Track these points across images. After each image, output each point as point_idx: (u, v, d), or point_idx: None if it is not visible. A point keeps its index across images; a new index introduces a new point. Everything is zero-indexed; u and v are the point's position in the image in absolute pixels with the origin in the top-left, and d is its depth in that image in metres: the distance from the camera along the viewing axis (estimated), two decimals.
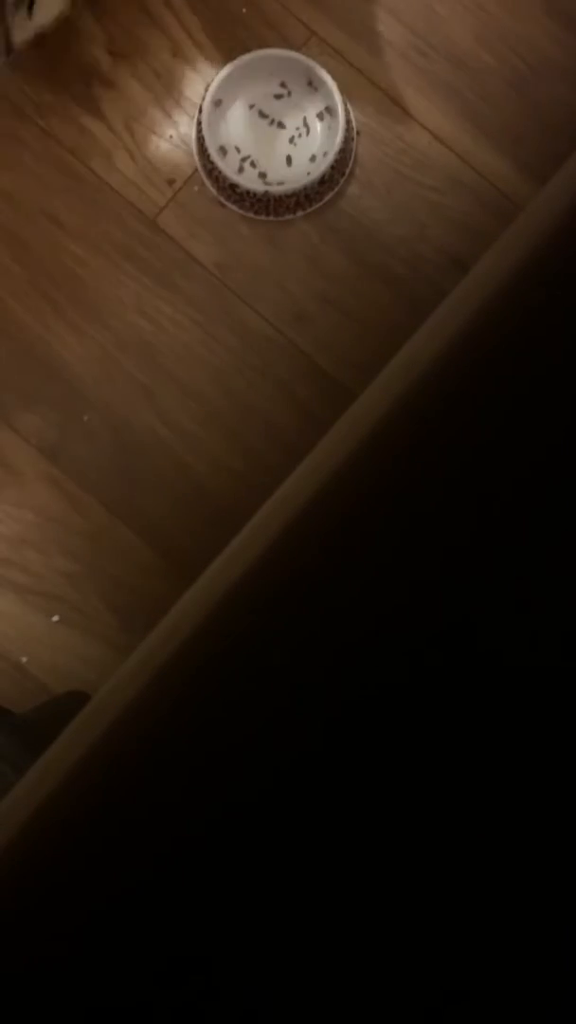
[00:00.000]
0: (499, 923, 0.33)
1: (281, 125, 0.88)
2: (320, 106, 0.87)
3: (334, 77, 0.84)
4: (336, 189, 0.88)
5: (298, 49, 0.88)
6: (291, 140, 0.88)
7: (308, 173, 0.85)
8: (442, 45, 0.88)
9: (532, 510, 0.37)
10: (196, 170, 0.89)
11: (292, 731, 0.39)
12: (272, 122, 0.87)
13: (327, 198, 0.87)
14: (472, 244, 0.89)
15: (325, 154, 0.85)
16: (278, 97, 0.87)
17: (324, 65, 0.85)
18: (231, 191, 0.86)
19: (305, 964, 0.36)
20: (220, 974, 0.37)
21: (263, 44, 0.88)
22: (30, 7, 0.69)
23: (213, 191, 0.88)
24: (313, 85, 0.86)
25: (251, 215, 0.87)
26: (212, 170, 0.86)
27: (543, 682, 0.35)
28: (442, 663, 0.37)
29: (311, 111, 0.87)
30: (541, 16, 0.88)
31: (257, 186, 0.85)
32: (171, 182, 0.89)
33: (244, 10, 0.89)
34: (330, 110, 0.86)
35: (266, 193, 0.84)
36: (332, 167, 0.85)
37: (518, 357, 0.40)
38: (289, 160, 0.88)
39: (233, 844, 0.38)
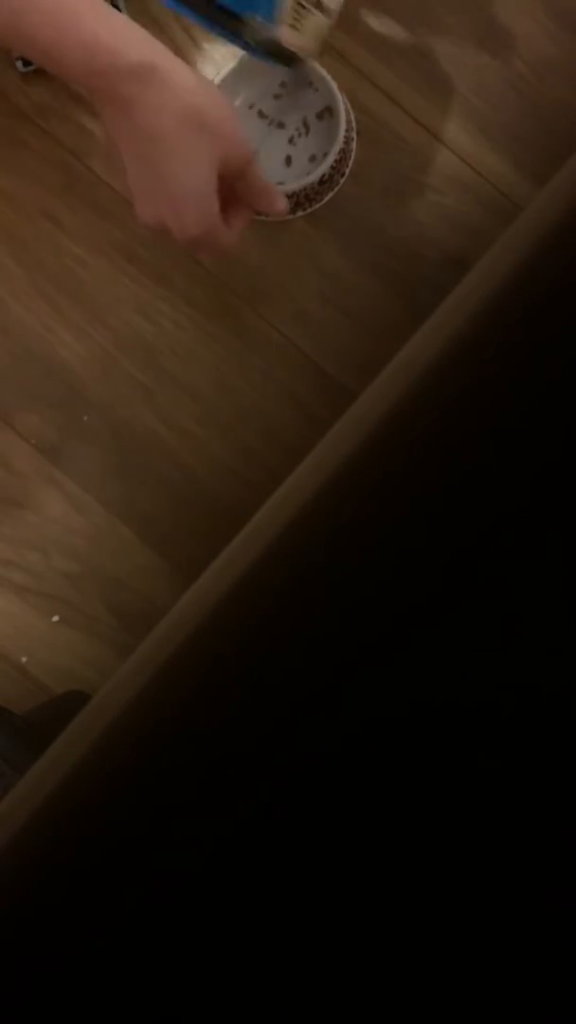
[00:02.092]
0: (495, 939, 0.33)
1: (281, 125, 0.88)
2: (320, 106, 0.87)
3: (334, 77, 0.84)
4: (336, 189, 0.87)
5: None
6: (291, 140, 0.88)
7: (308, 173, 0.85)
8: (442, 45, 0.88)
9: (536, 510, 0.37)
10: None
11: (294, 732, 0.39)
12: (272, 122, 0.87)
13: (327, 198, 0.87)
14: (472, 244, 0.89)
15: (325, 154, 0.85)
16: (278, 97, 0.87)
17: (324, 65, 0.85)
18: None
19: (304, 967, 0.36)
20: (220, 976, 0.37)
21: None
22: None
23: None
24: (313, 85, 0.86)
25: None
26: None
27: (554, 683, 0.35)
28: (449, 663, 0.37)
29: (311, 111, 0.87)
30: (541, 16, 0.88)
31: None
32: None
33: None
34: (330, 110, 0.86)
35: None
36: (332, 167, 0.85)
37: (518, 356, 0.40)
38: (289, 160, 0.88)
39: (234, 844, 0.38)
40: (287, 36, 0.69)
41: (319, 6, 0.69)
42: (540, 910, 0.33)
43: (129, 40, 0.57)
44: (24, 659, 0.90)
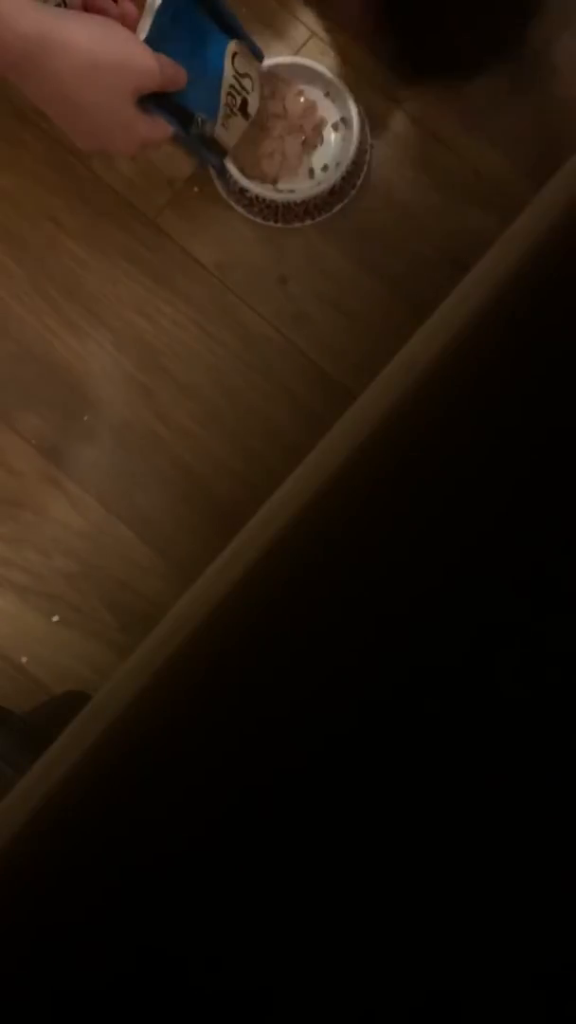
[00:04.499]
0: (492, 927, 0.33)
1: None
2: (335, 117, 0.86)
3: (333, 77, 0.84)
4: (345, 200, 0.87)
5: (297, 50, 0.88)
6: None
7: (319, 183, 0.85)
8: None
9: (536, 508, 0.37)
10: (196, 170, 0.89)
11: (293, 731, 0.39)
12: None
13: (336, 209, 0.87)
14: (472, 244, 0.89)
15: (337, 165, 0.84)
16: None
17: (323, 64, 0.85)
18: (240, 195, 0.86)
19: (304, 958, 0.36)
20: (222, 974, 0.37)
21: (262, 44, 0.88)
22: (243, 109, 0.82)
23: (223, 193, 0.88)
24: (330, 96, 0.86)
25: (259, 220, 0.87)
26: (223, 172, 0.85)
27: (558, 671, 0.35)
28: (448, 663, 0.37)
29: (326, 122, 0.87)
30: (540, 16, 0.88)
31: (267, 192, 0.84)
32: (171, 182, 0.89)
33: (244, 10, 0.89)
34: (345, 121, 0.85)
35: (276, 200, 0.84)
36: (343, 178, 0.84)
37: (518, 356, 0.40)
38: (311, 172, 0.87)
39: (232, 843, 0.38)
40: (218, 133, 0.81)
41: (244, 111, 0.82)
42: (539, 899, 0.33)
43: (23, 9, 0.59)
44: (24, 659, 0.90)
